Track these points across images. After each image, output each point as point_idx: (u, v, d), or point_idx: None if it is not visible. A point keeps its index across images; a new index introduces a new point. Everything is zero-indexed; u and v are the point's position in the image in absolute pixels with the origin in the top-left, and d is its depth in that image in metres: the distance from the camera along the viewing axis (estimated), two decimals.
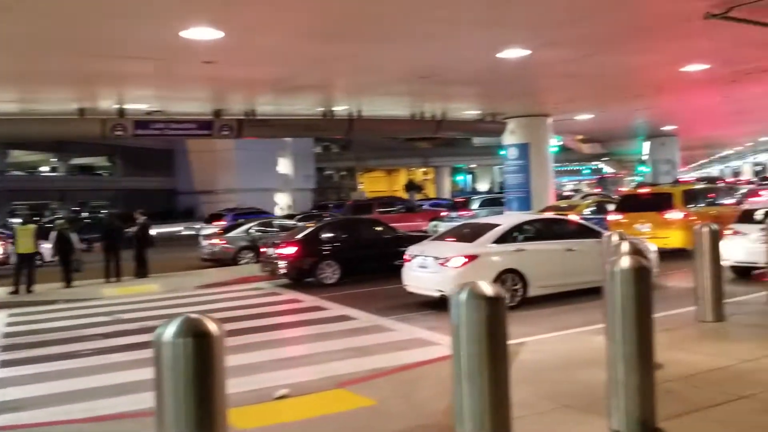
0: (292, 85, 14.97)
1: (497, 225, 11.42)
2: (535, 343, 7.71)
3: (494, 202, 28.23)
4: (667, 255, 15.14)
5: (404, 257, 11.59)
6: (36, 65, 11.88)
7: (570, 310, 10.34)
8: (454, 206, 29.32)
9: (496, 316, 4.16)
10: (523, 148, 22.58)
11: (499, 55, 12.50)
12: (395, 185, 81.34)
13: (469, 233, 11.54)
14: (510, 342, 7.51)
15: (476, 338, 4.07)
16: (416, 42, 11.36)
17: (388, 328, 9.66)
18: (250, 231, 20.17)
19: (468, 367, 4.07)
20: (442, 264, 10.49)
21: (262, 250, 16.16)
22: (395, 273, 11.83)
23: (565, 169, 66.55)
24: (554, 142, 28.16)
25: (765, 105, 23.60)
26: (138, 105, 16.76)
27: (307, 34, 10.57)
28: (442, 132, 23.00)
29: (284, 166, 52.63)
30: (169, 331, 3.33)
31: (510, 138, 22.92)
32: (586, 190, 48.41)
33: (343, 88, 16.44)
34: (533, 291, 10.81)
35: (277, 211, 43.77)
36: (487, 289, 4.13)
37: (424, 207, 32.73)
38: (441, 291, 10.22)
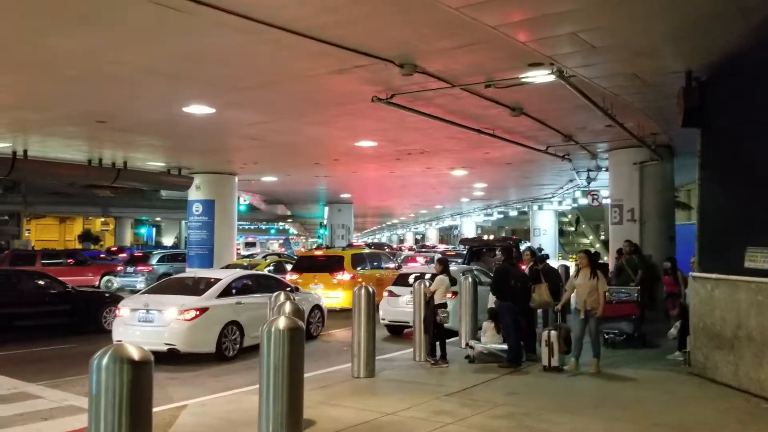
0: None
1: (218, 279, 11.79)
2: (197, 406, 7.55)
3: (175, 257, 27.34)
4: (338, 314, 16.22)
5: (116, 311, 11.33)
6: None
7: (241, 369, 10.37)
8: (132, 260, 27.73)
9: (142, 380, 3.99)
10: (209, 205, 22.46)
11: (185, 109, 12.39)
12: (69, 234, 74.17)
13: (189, 286, 11.77)
14: (171, 405, 7.34)
15: (117, 405, 3.85)
16: (92, 83, 10.68)
17: (34, 395, 8.58)
18: None
19: None
20: (171, 317, 10.47)
21: None
22: (58, 331, 10.74)
23: (253, 227, 67.83)
24: (241, 201, 28.64)
25: (422, 182, 27.10)
26: None
27: None
28: (122, 181, 21.75)
29: None
30: None
31: (195, 194, 22.63)
32: (276, 249, 50.02)
33: (4, 123, 14.63)
34: (247, 341, 11.36)
35: None
36: (133, 352, 3.97)
37: (98, 259, 30.37)
38: (171, 345, 10.34)
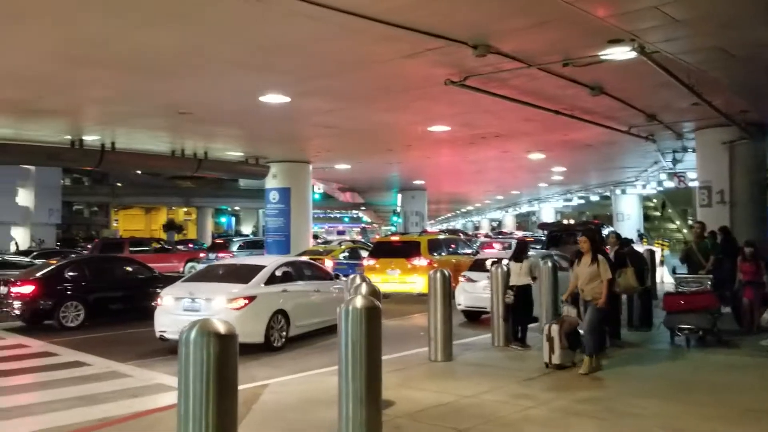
0: (34, 109, 13.71)
1: (263, 266, 11.16)
2: (278, 385, 7.74)
3: (254, 244, 28.12)
4: (413, 299, 16.29)
5: (159, 300, 10.64)
6: None
7: (315, 352, 10.57)
8: (212, 247, 28.57)
9: (228, 353, 4.12)
10: (285, 193, 22.95)
11: (261, 99, 12.67)
12: (154, 224, 77.31)
13: (232, 274, 11.23)
14: (254, 384, 7.55)
15: (204, 377, 3.99)
16: (176, 76, 11.10)
17: (125, 374, 9.01)
18: None
19: (194, 407, 3.96)
20: (220, 306, 9.88)
21: None
22: (148, 315, 11.12)
23: (327, 216, 68.81)
24: (315, 189, 29.08)
25: (497, 166, 26.72)
26: None
27: (52, 55, 9.82)
28: (203, 171, 22.52)
29: (25, 197, 47.33)
30: None
31: (272, 182, 23.18)
32: (355, 237, 50.87)
33: (94, 116, 15.38)
34: (293, 331, 10.95)
35: (12, 247, 39.08)
36: (219, 326, 4.09)
37: (180, 248, 31.54)
38: None
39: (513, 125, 15.97)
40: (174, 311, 10.29)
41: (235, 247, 27.91)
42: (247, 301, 10.07)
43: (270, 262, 11.71)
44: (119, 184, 68.35)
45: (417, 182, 34.59)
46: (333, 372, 7.55)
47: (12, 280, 13.79)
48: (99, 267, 15.43)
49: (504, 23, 8.45)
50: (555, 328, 8.44)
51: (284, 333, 10.75)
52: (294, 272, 11.88)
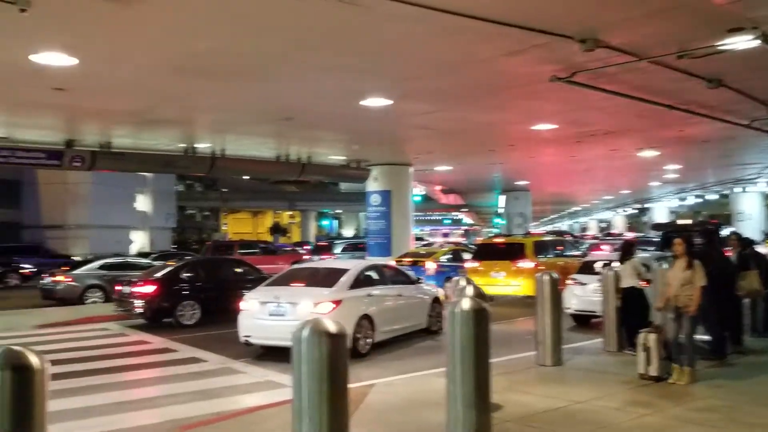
0: (150, 118, 14.50)
1: (346, 269, 10.87)
2: (384, 386, 7.79)
3: (357, 247, 28.54)
4: (518, 302, 16.00)
5: (243, 304, 10.41)
6: None
7: (416, 354, 10.55)
8: (316, 249, 29.24)
9: (338, 352, 4.18)
10: (386, 195, 23.13)
11: (362, 103, 12.82)
12: (261, 227, 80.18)
13: (316, 277, 10.88)
14: (360, 384, 7.62)
15: (317, 374, 4.06)
16: (280, 83, 11.41)
17: (238, 370, 9.37)
18: (100, 269, 19.10)
19: (307, 403, 4.04)
20: (306, 311, 9.45)
21: (117, 288, 15.28)
22: None
23: (427, 218, 68.88)
24: (416, 191, 29.16)
25: (606, 165, 25.77)
26: None
27: (166, 67, 10.33)
28: (307, 175, 23.10)
29: (143, 203, 50.35)
30: None
31: (373, 185, 23.43)
32: (458, 239, 50.85)
33: (205, 124, 16.12)
34: (378, 336, 10.57)
35: (133, 250, 41.64)
36: (330, 325, 4.15)
37: (285, 249, 32.49)
38: None
39: (623, 122, 15.34)
40: (259, 316, 10.07)
41: (338, 249, 28.44)
42: (334, 306, 9.71)
43: (353, 265, 11.43)
44: (225, 190, 71.33)
45: (520, 183, 33.95)
46: (439, 374, 7.54)
47: (134, 280, 14.66)
48: (212, 268, 16.16)
49: (614, 15, 8.11)
50: (652, 337, 7.98)
51: (369, 339, 10.32)
52: (377, 276, 11.61)
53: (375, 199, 23.34)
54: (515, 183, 33.87)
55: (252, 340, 10.23)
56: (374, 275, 11.53)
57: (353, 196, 60.97)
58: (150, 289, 14.08)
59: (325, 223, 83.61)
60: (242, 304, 10.42)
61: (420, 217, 54.35)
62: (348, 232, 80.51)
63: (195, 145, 18.50)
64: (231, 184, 69.70)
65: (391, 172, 23.12)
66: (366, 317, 10.23)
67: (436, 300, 12.72)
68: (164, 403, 7.61)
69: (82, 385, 8.25)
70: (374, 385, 7.68)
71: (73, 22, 8.08)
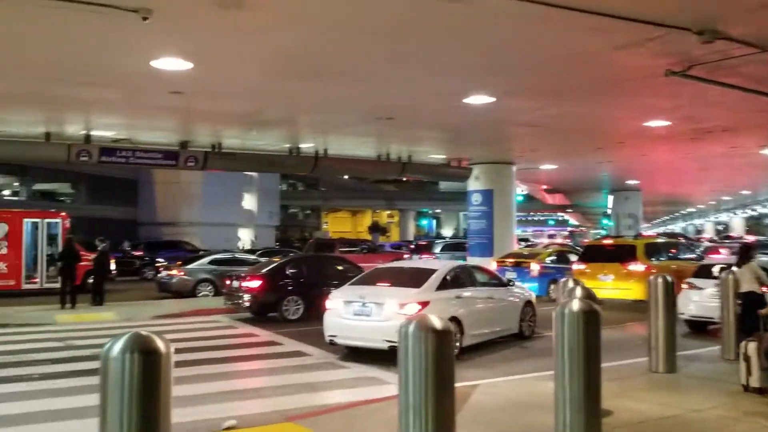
0: (258, 120, 15.02)
1: (434, 270, 10.49)
2: (487, 386, 7.69)
3: (456, 246, 28.39)
4: (627, 306, 15.44)
5: (328, 303, 10.25)
6: (2, 86, 11.72)
7: (524, 356, 10.35)
8: (416, 249, 29.34)
9: (444, 348, 4.17)
10: (487, 195, 22.86)
11: (465, 101, 12.73)
12: (360, 226, 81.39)
13: (402, 277, 10.58)
14: (463, 384, 7.56)
15: (423, 370, 4.07)
16: (382, 83, 11.51)
17: (341, 365, 9.54)
18: (210, 264, 20.02)
19: (414, 399, 4.05)
20: (392, 312, 9.26)
21: (226, 282, 15.98)
22: None
23: (530, 218, 67.57)
24: (519, 190, 28.66)
25: (725, 164, 24.30)
26: (104, 132, 16.60)
27: (273, 70, 10.66)
28: (407, 174, 23.20)
29: (249, 201, 52.36)
30: (117, 346, 3.31)
31: (474, 184, 23.21)
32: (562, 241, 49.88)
33: (309, 124, 16.53)
34: (467, 341, 10.12)
35: (242, 245, 43.47)
36: (436, 321, 4.15)
37: (385, 248, 32.78)
38: (393, 343, 8.28)
39: (744, 117, 14.41)
40: (344, 315, 9.85)
41: (437, 249, 28.41)
42: (421, 307, 9.28)
43: (441, 265, 11.11)
44: (324, 189, 72.91)
45: (630, 182, 32.60)
46: (545, 377, 7.38)
47: (242, 275, 15.25)
48: (315, 265, 16.58)
49: (735, 4, 7.64)
50: (752, 345, 7.38)
51: (458, 343, 9.61)
52: (466, 277, 11.16)
53: (476, 199, 23.12)
54: (625, 182, 32.59)
55: (337, 340, 10.02)
56: (463, 276, 11.13)
57: (452, 196, 60.79)
58: (257, 284, 14.60)
59: (423, 222, 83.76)
60: (328, 303, 10.25)
61: (522, 218, 53.44)
62: (447, 231, 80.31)
63: (299, 145, 19.01)
64: (331, 183, 71.25)
65: (493, 171, 22.82)
66: (454, 320, 9.56)
67: (528, 303, 12.15)
68: (271, 394, 7.87)
69: (195, 374, 8.64)
70: (478, 386, 7.60)
71: (190, 28, 8.48)
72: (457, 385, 7.45)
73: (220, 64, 10.33)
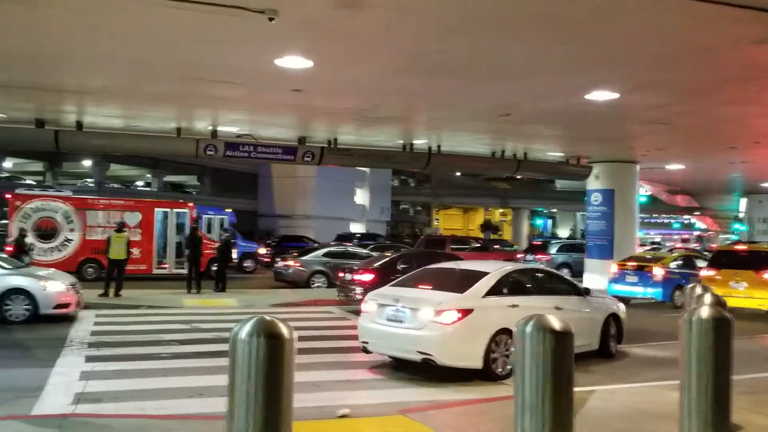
0: (373, 117, 15.23)
1: (485, 273, 9.21)
2: (605, 393, 7.43)
3: (573, 247, 27.55)
4: (761, 317, 14.48)
5: (363, 306, 9.35)
6: (139, 85, 12.59)
7: (647, 364, 9.91)
8: (530, 249, 28.73)
9: (562, 349, 4.08)
10: (608, 195, 22.02)
11: (587, 97, 12.32)
12: (471, 224, 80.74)
13: (449, 280, 9.37)
14: (580, 389, 7.35)
15: (540, 370, 4.00)
16: (501, 79, 11.35)
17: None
18: (324, 256, 20.59)
19: (530, 398, 3.99)
20: (426, 319, 8.27)
21: (339, 275, 16.39)
22: None
23: (653, 221, 64.49)
24: (642, 191, 27.42)
25: None
26: (229, 128, 17.46)
27: (390, 67, 10.77)
28: (522, 172, 22.75)
29: (361, 197, 53.35)
30: (245, 329, 3.55)
31: (594, 183, 22.43)
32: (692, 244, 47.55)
33: (423, 121, 16.58)
34: None
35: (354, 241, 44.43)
36: (554, 322, 4.06)
37: (497, 247, 32.35)
38: (425, 354, 8.12)
39: None
40: (376, 320, 8.84)
41: (553, 249, 27.70)
42: (460, 315, 8.22)
43: (495, 268, 9.57)
44: (433, 186, 72.82)
45: (766, 185, 30.38)
46: (668, 386, 7.04)
47: (355, 268, 15.57)
48: (425, 261, 16.54)
49: None
50: None
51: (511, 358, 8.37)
52: (528, 283, 9.84)
53: (596, 198, 22.35)
54: (760, 184, 30.38)
55: (369, 347, 9.01)
56: (524, 281, 9.82)
57: (569, 195, 59.03)
58: (369, 277, 14.83)
59: (538, 222, 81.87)
60: (362, 305, 9.38)
61: (644, 219, 51.06)
62: (563, 232, 78.16)
63: (413, 142, 19.11)
64: (442, 180, 71.05)
65: (614, 170, 21.99)
66: (506, 332, 8.31)
67: (613, 317, 10.43)
68: (381, 386, 8.01)
69: (309, 362, 8.89)
70: (595, 392, 7.36)
71: (312, 27, 8.73)
72: (575, 389, 7.31)
73: (339, 62, 10.58)
